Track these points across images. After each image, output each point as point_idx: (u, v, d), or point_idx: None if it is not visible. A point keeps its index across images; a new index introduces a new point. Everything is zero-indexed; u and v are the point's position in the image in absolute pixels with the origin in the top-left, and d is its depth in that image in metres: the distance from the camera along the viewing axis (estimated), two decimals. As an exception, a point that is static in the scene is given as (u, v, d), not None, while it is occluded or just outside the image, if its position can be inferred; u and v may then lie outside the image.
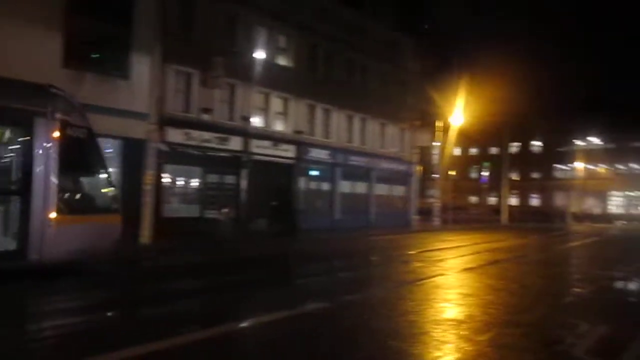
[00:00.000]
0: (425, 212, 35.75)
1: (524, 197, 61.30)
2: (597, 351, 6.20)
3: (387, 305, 8.62)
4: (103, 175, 11.04)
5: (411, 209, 33.28)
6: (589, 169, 55.75)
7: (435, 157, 36.14)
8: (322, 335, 6.62)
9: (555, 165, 60.46)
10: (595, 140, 55.10)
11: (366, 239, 22.29)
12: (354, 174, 28.76)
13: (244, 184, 21.14)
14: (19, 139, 9.62)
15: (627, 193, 56.88)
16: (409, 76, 32.24)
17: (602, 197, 58.14)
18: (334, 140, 27.34)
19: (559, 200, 57.74)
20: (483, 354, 5.91)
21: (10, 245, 9.16)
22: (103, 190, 11.11)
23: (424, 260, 15.35)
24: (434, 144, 35.52)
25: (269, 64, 21.98)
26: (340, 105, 27.45)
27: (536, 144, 62.45)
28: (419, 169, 35.66)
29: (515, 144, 57.95)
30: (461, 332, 6.74)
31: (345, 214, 27.29)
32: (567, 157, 56.55)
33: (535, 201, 61.66)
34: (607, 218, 51.34)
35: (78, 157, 10.01)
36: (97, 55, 16.37)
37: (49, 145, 9.32)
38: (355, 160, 28.54)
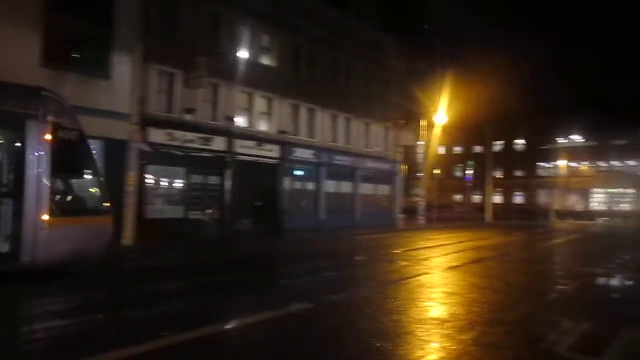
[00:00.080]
0: (410, 211, 35.89)
1: (507, 195, 61.74)
2: (580, 348, 6.23)
3: (372, 304, 8.60)
4: (94, 177, 11.13)
5: (396, 208, 33.36)
6: (572, 166, 56.36)
7: (419, 156, 36.27)
8: (306, 335, 6.59)
9: (538, 163, 60.97)
10: (577, 138, 55.72)
11: (351, 239, 22.28)
12: (338, 173, 28.74)
13: (228, 184, 21.00)
14: (11, 142, 9.63)
15: (608, 190, 57.48)
16: (392, 75, 32.36)
17: (585, 194, 58.72)
18: (318, 140, 27.30)
19: (542, 197, 58.26)
20: (467, 353, 5.91)
21: (3, 247, 9.15)
22: (94, 192, 11.19)
23: (409, 259, 15.37)
24: (418, 142, 35.64)
25: (252, 63, 21.86)
26: (324, 105, 27.42)
27: (519, 142, 62.98)
28: (403, 167, 35.77)
29: (499, 142, 58.39)
30: (445, 331, 6.74)
31: (330, 214, 27.26)
32: (550, 155, 57.13)
33: (518, 199, 62.12)
34: (589, 215, 51.88)
35: (69, 159, 10.07)
36: (78, 55, 16.15)
37: (40, 147, 9.39)
38: (340, 160, 28.53)
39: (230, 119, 21.59)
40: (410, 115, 34.26)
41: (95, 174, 11.08)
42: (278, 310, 7.75)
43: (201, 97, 20.85)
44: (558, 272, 14.45)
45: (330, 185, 28.34)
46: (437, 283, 11.03)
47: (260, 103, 24.04)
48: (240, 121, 22.64)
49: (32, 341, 6.24)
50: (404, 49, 33.70)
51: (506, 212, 49.31)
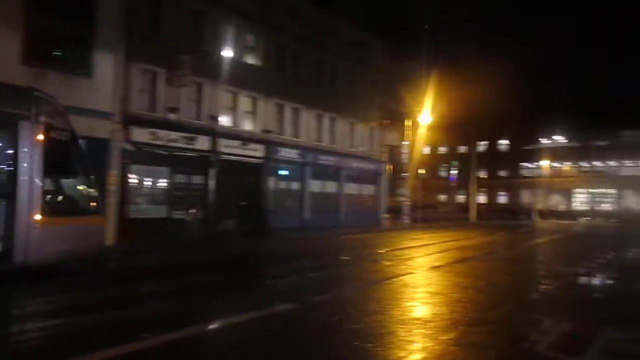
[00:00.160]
0: (395, 211, 35.96)
1: (491, 195, 62.22)
2: (561, 347, 6.27)
3: (355, 305, 8.58)
4: (86, 177, 11.19)
5: (381, 208, 33.43)
6: (554, 167, 56.99)
7: (404, 156, 36.36)
8: (291, 336, 6.56)
9: (521, 163, 61.54)
10: (560, 139, 56.31)
11: (336, 238, 22.27)
12: (323, 173, 28.73)
13: (212, 184, 20.91)
14: (3, 142, 9.66)
15: (590, 190, 58.24)
16: (378, 76, 32.39)
17: (567, 194, 59.42)
18: (303, 139, 27.26)
19: (526, 197, 58.84)
20: (449, 353, 5.92)
21: None
22: (86, 192, 11.25)
23: (393, 259, 15.40)
24: (403, 142, 35.74)
25: (237, 62, 21.77)
26: (309, 105, 27.39)
27: (503, 143, 63.51)
28: (388, 167, 35.84)
29: (483, 142, 58.82)
30: (427, 331, 6.74)
31: (315, 214, 27.23)
32: (533, 156, 57.69)
33: (502, 199, 62.64)
34: (572, 215, 52.50)
35: (62, 159, 10.14)
36: (59, 53, 15.93)
37: (33, 148, 9.42)
38: (325, 160, 28.52)
39: (214, 118, 21.48)
40: (396, 115, 34.37)
41: (87, 174, 11.16)
42: (263, 310, 7.71)
43: (185, 96, 20.71)
44: (541, 271, 14.55)
45: (315, 185, 28.32)
46: (420, 283, 11.05)
47: (244, 102, 23.94)
48: (224, 120, 22.53)
49: (10, 344, 6.10)
50: (390, 50, 33.78)
51: (490, 212, 49.74)
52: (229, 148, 22.10)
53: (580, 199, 59.32)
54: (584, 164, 58.84)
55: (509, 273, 13.39)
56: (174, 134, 19.91)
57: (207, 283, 10.61)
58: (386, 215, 33.69)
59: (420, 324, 7.10)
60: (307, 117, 27.62)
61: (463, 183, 49.74)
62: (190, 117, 21.02)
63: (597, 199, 57.90)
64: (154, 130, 19.16)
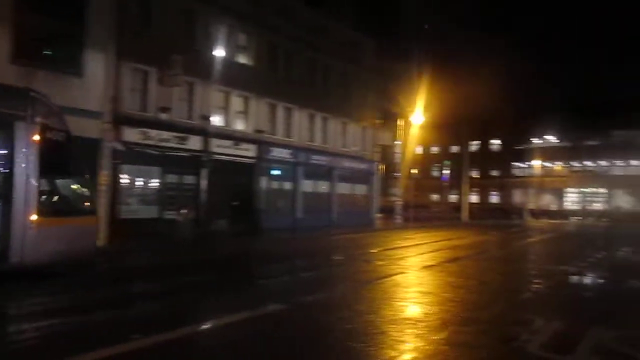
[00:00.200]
0: (388, 211, 36.00)
1: (483, 195, 62.42)
2: (551, 346, 6.28)
3: (348, 305, 8.58)
4: (81, 178, 11.32)
5: (373, 208, 33.45)
6: (546, 166, 57.26)
7: (397, 156, 36.41)
8: (283, 336, 6.55)
9: (513, 163, 61.78)
10: (552, 139, 56.55)
11: (328, 238, 22.27)
12: (315, 173, 28.71)
13: (204, 184, 20.83)
14: None
15: (582, 190, 58.60)
16: (370, 75, 32.40)
17: (559, 194, 59.75)
18: (296, 139, 27.23)
19: (518, 197, 59.04)
20: (440, 352, 5.92)
21: None
22: (81, 193, 11.36)
23: (385, 258, 15.41)
24: (395, 142, 35.79)
25: (229, 62, 21.68)
26: (301, 105, 27.36)
27: (495, 143, 63.73)
28: (381, 167, 35.87)
29: (475, 142, 58.98)
30: (418, 331, 6.74)
31: (307, 213, 27.20)
32: (525, 156, 57.88)
33: (494, 198, 62.86)
34: (563, 214, 52.76)
35: (57, 160, 10.09)
36: (49, 52, 15.84)
37: (29, 148, 9.44)
38: (317, 160, 28.50)
39: (206, 118, 21.40)
40: (388, 115, 34.42)
41: (82, 174, 11.27)
42: (254, 310, 7.69)
43: (177, 96, 20.61)
44: (532, 271, 14.62)
45: (307, 185, 28.30)
46: (412, 282, 11.07)
47: (237, 102, 23.88)
48: (216, 120, 22.44)
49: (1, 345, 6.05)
50: (382, 49, 33.80)
51: (482, 211, 49.90)
52: (221, 148, 22.02)
53: (571, 199, 59.66)
54: (576, 164, 59.17)
55: (500, 272, 13.43)
56: (165, 134, 19.82)
57: (199, 283, 10.57)
58: (379, 215, 33.72)
59: (412, 324, 7.10)
60: (300, 117, 27.59)
61: (455, 183, 49.84)
62: (182, 116, 20.93)
63: (588, 199, 58.26)
64: (145, 130, 19.06)
